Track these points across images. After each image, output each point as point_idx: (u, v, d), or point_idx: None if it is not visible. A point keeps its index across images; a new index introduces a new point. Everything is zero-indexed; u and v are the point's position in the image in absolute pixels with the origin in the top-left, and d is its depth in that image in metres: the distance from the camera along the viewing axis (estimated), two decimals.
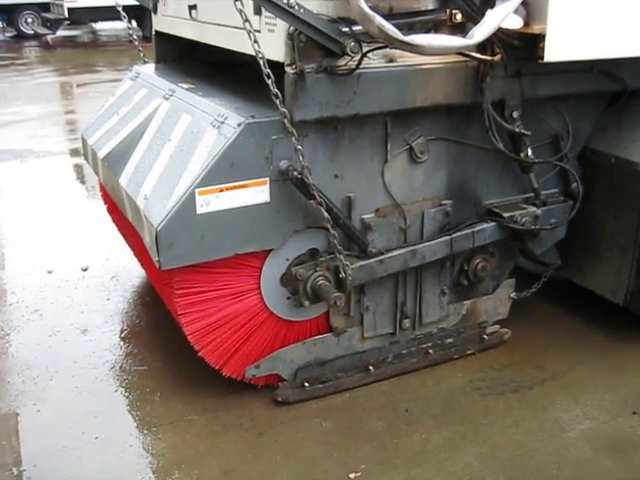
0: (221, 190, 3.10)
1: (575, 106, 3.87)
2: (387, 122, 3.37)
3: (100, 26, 21.46)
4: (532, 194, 3.82)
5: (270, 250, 3.33)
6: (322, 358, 3.59)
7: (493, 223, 3.71)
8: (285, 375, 3.55)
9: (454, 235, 3.62)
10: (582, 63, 3.48)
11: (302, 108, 3.10)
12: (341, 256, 3.29)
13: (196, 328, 3.35)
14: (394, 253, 3.51)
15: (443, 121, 3.51)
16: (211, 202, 3.10)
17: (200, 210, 3.08)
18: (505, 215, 3.69)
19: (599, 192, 3.98)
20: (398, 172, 3.49)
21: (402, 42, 2.96)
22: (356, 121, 3.29)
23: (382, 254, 3.48)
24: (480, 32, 3.09)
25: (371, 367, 3.70)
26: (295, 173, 3.13)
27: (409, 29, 3.19)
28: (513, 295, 4.03)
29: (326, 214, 3.17)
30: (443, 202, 3.64)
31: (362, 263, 3.44)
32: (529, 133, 3.59)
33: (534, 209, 3.77)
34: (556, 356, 3.96)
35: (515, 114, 3.57)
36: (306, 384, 3.56)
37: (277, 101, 2.97)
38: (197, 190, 3.05)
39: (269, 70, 2.93)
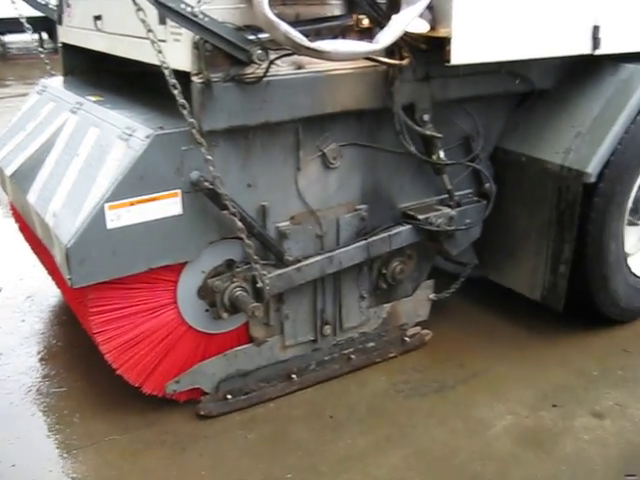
0: (132, 204, 3.03)
1: (485, 107, 3.94)
2: (298, 129, 3.36)
3: (9, 38, 20.88)
4: (446, 195, 3.86)
5: (185, 263, 3.28)
6: (244, 369, 3.55)
7: (409, 226, 3.73)
8: (207, 388, 3.49)
9: (370, 240, 3.63)
10: (490, 65, 3.55)
11: (211, 118, 3.06)
12: (257, 266, 3.26)
13: (113, 346, 3.27)
14: (311, 260, 3.50)
15: (355, 126, 3.52)
16: (122, 216, 3.02)
17: (111, 225, 3.01)
18: (420, 217, 3.72)
19: (512, 191, 4.05)
20: (312, 179, 3.48)
21: (308, 49, 2.96)
22: (267, 129, 3.27)
23: (299, 262, 3.46)
24: (385, 37, 3.11)
25: (294, 375, 3.67)
26: (206, 184, 3.09)
27: (316, 35, 3.18)
28: (432, 296, 4.06)
29: (240, 224, 3.14)
30: (358, 207, 3.65)
31: (279, 272, 3.41)
32: (440, 135, 3.63)
33: (449, 210, 3.81)
34: (478, 354, 4.00)
35: (426, 117, 3.61)
36: (229, 396, 3.51)
37: (185, 112, 2.92)
38: (107, 205, 2.98)
39: (175, 80, 2.89)
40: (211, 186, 3.07)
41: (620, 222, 4.00)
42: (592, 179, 3.72)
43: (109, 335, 3.24)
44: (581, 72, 4.00)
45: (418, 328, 4.06)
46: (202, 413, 3.47)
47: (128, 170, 3.00)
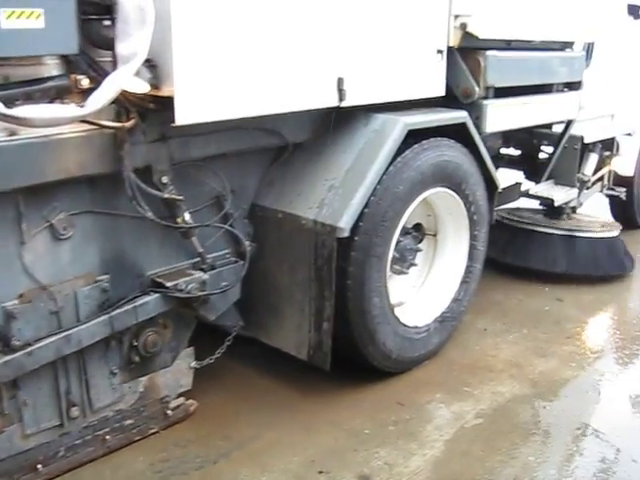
0: None
1: (237, 164, 3.81)
2: (18, 200, 3.10)
3: None
4: (198, 259, 3.69)
5: None
6: None
7: (157, 294, 3.53)
8: None
9: (113, 313, 3.38)
10: (235, 121, 3.42)
11: None
12: None
13: None
14: (43, 342, 3.19)
15: (86, 193, 3.28)
16: None
17: None
18: (169, 285, 3.51)
19: (272, 249, 3.93)
20: (40, 252, 3.20)
21: (7, 116, 2.73)
22: None
23: (29, 345, 3.18)
24: (95, 100, 2.91)
25: (40, 465, 3.34)
26: None
27: (27, 99, 2.96)
28: (194, 364, 3.85)
29: None
30: (99, 278, 3.39)
31: (6, 358, 3.09)
32: (181, 198, 3.45)
33: (201, 274, 3.62)
34: (246, 423, 3.81)
35: (165, 179, 3.42)
36: None
37: None
38: None
39: None
40: None
41: (382, 274, 3.95)
42: (345, 233, 3.65)
43: None
44: (335, 124, 3.95)
45: (182, 399, 3.83)
46: None
47: None
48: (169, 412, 3.76)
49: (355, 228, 3.71)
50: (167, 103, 3.14)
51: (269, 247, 3.93)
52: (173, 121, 3.11)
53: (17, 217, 3.09)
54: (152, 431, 3.70)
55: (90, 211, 3.30)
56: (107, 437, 3.54)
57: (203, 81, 3.16)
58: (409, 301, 4.46)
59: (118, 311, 3.39)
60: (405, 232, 4.27)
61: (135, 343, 3.55)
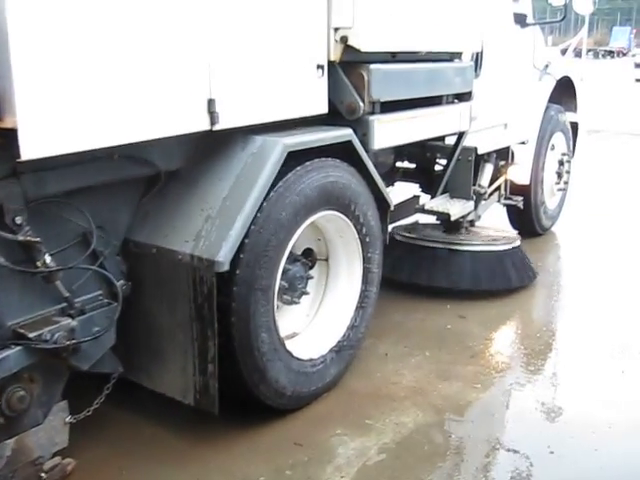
0: None
1: (104, 198, 3.48)
2: None
3: None
4: (65, 304, 3.36)
5: None
6: None
7: (19, 347, 3.19)
8: None
9: None
10: (98, 151, 3.12)
11: None
12: None
13: None
14: None
15: None
16: None
17: None
18: (31, 335, 3.16)
19: (149, 287, 3.62)
20: None
21: None
22: None
23: None
24: None
25: None
26: None
27: None
28: (69, 419, 3.50)
29: None
30: None
31: None
32: (39, 240, 3.13)
33: (68, 321, 3.28)
34: (130, 476, 3.49)
35: (19, 220, 3.08)
36: None
37: None
38: None
39: None
40: None
41: (269, 307, 3.68)
42: (224, 267, 3.37)
43: None
44: (212, 148, 3.69)
45: (57, 459, 3.45)
46: None
47: None
48: (43, 475, 3.37)
49: (235, 260, 3.43)
50: (12, 136, 2.84)
51: (147, 285, 3.61)
52: (19, 156, 2.81)
53: None
54: None
55: None
56: None
57: (51, 108, 2.82)
58: (303, 332, 4.21)
59: None
60: (293, 259, 4.01)
61: None
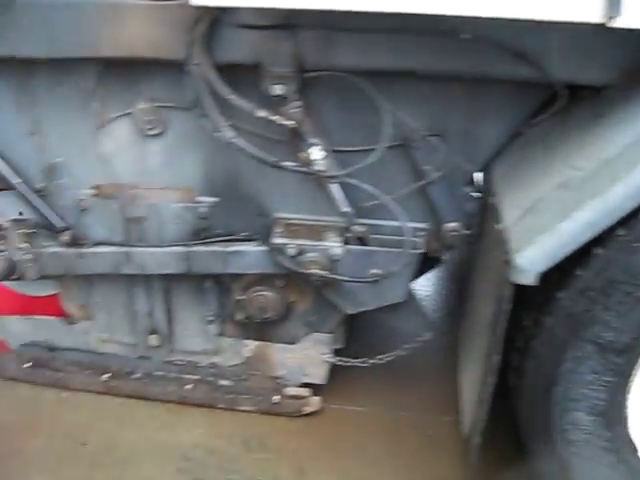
0: None
1: (451, 96, 2.28)
2: (93, 73, 2.43)
3: None
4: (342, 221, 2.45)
5: None
6: (53, 343, 2.96)
7: (262, 247, 2.50)
8: (12, 345, 3.00)
9: (193, 249, 2.55)
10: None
11: None
12: (15, 233, 2.59)
13: None
14: (99, 249, 2.62)
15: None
16: None
17: None
18: (275, 241, 2.45)
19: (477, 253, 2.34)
20: (122, 144, 2.52)
21: None
22: (53, 64, 2.42)
23: (81, 245, 2.62)
24: None
25: (106, 376, 2.91)
26: None
27: None
28: (328, 357, 2.72)
29: None
30: (200, 199, 2.55)
31: (55, 250, 2.65)
32: (298, 122, 2.24)
33: (331, 244, 2.42)
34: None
35: (280, 89, 2.21)
36: (28, 364, 2.98)
37: None
38: None
39: None
40: None
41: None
42: (527, 278, 1.86)
43: None
44: None
45: (304, 391, 2.80)
46: None
47: None
48: (276, 398, 2.80)
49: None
50: None
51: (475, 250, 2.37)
52: None
53: (91, 92, 2.47)
54: (244, 408, 2.84)
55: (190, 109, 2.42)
56: (189, 386, 2.86)
57: None
58: None
59: (201, 249, 2.55)
60: None
61: (241, 297, 2.67)
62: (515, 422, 2.28)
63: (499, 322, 2.02)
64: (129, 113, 2.47)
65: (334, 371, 2.83)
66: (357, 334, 2.95)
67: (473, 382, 2.33)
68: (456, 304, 3.13)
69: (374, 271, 2.42)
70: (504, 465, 2.40)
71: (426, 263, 2.57)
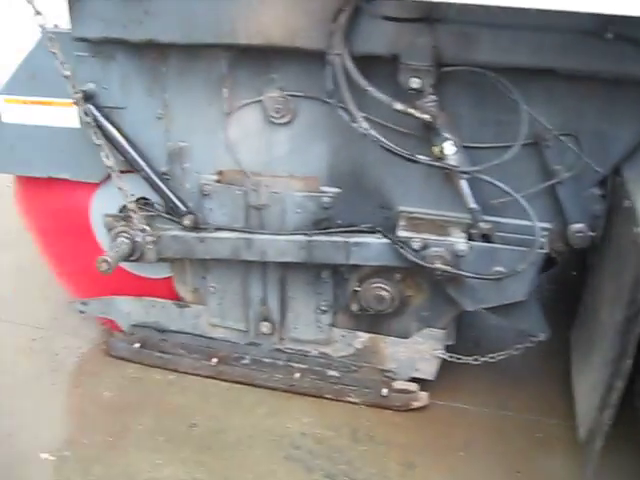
0: (25, 102, 2.72)
1: (578, 95, 2.27)
2: (222, 59, 2.47)
3: None
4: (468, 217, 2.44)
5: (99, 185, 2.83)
6: (163, 325, 3.01)
7: (385, 239, 2.50)
8: (122, 326, 3.07)
9: (315, 238, 2.56)
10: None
11: (81, 23, 2.48)
12: (135, 215, 2.64)
13: None
14: (220, 234, 2.66)
15: (319, 75, 2.38)
16: (17, 113, 2.75)
17: (5, 119, 2.77)
18: (400, 234, 2.46)
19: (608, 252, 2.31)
20: (249, 131, 2.56)
21: None
22: (186, 50, 2.48)
23: (203, 229, 2.67)
24: None
25: (215, 360, 2.96)
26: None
27: None
28: (441, 353, 2.70)
29: (109, 160, 2.56)
30: (324, 189, 2.57)
31: (176, 233, 2.71)
32: (432, 116, 2.24)
33: (457, 240, 2.41)
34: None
35: (417, 83, 2.23)
36: (138, 344, 3.04)
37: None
38: (2, 97, 2.74)
39: None
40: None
41: None
42: None
43: None
44: None
45: (413, 386, 2.80)
46: (106, 349, 3.11)
47: (20, 65, 2.68)
48: (384, 391, 2.80)
49: None
50: None
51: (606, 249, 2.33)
52: None
53: (220, 79, 2.51)
54: (351, 400, 2.85)
55: (322, 99, 2.44)
56: (297, 375, 2.89)
57: None
58: None
59: (323, 238, 2.57)
60: None
61: (357, 288, 2.68)
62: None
63: (632, 325, 2.00)
64: (259, 100, 2.51)
65: (440, 367, 2.85)
66: (464, 331, 2.96)
67: (594, 386, 2.30)
68: (560, 306, 3.09)
69: (498, 269, 2.42)
70: (623, 472, 2.38)
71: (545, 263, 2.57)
